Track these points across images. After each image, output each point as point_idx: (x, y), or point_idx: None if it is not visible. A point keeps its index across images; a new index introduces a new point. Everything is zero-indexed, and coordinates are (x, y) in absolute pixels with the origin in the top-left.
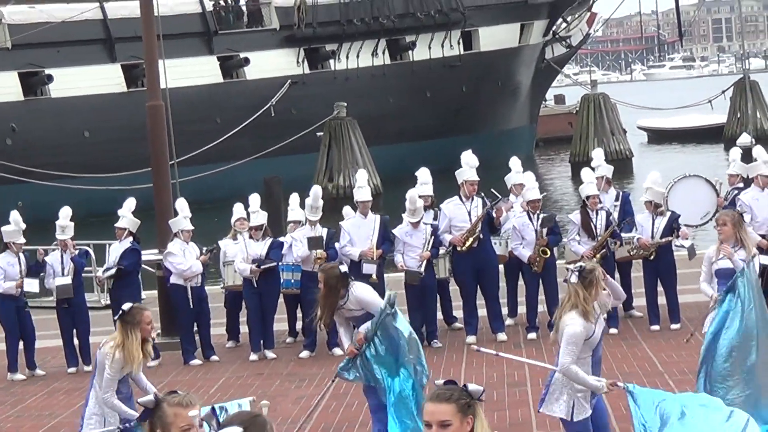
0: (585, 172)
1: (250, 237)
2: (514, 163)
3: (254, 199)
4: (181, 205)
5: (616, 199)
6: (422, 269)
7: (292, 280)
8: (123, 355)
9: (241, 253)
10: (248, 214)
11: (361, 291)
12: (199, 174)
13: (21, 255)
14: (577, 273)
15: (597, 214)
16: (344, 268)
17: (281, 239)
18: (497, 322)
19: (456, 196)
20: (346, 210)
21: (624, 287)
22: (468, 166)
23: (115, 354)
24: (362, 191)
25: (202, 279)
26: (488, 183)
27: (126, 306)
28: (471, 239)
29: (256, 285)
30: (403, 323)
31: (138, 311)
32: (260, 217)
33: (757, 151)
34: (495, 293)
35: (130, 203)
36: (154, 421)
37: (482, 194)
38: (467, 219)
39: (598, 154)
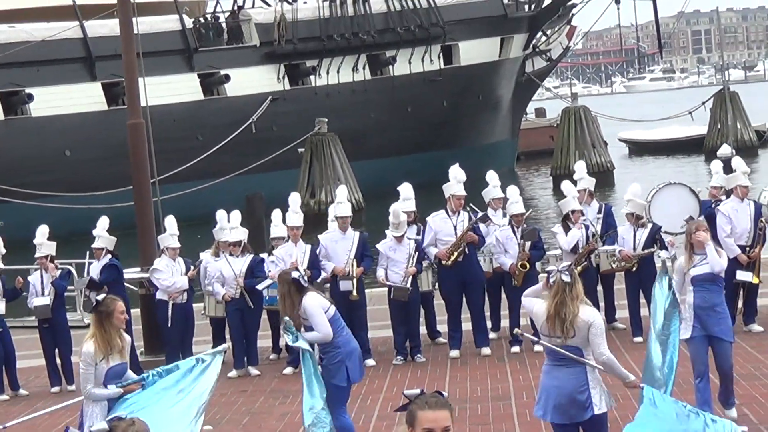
0: (566, 186)
1: (231, 254)
2: (492, 177)
3: (234, 215)
4: (170, 222)
5: (599, 212)
6: (409, 285)
7: (274, 296)
8: (96, 347)
9: (217, 273)
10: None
11: (308, 302)
12: (181, 191)
13: None
14: (567, 272)
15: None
16: (296, 274)
17: (262, 256)
18: (481, 336)
19: (442, 210)
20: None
21: (607, 300)
22: (456, 180)
23: (84, 346)
24: (341, 207)
25: (189, 296)
26: (469, 197)
27: (100, 297)
28: (456, 253)
29: (237, 303)
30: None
31: (111, 301)
32: (239, 234)
33: (736, 162)
34: (480, 307)
35: (104, 222)
36: None
37: (468, 208)
38: (453, 233)
39: (580, 167)
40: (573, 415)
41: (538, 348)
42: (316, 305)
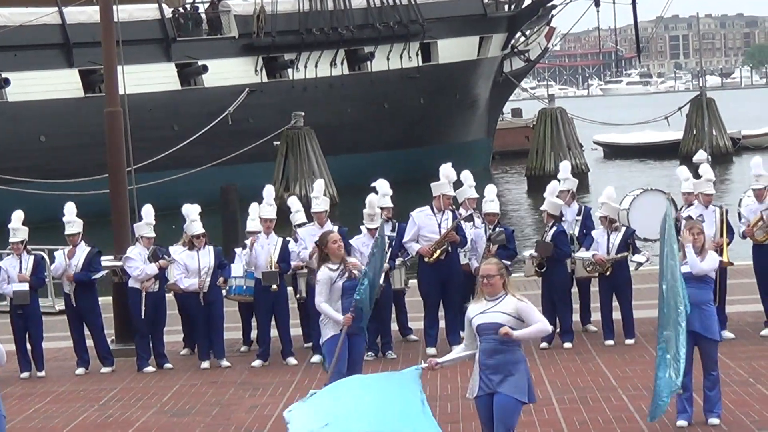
0: (552, 186)
1: (192, 247)
2: (466, 176)
3: (194, 209)
4: (146, 211)
5: (578, 214)
6: (382, 281)
7: (244, 287)
8: None
9: (179, 268)
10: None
11: None
12: (156, 180)
13: None
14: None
15: (552, 228)
16: None
17: (236, 250)
18: (454, 335)
19: (427, 206)
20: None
21: (583, 304)
22: (447, 180)
23: None
24: (316, 202)
25: (161, 284)
26: None
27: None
28: (439, 251)
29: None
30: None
31: None
32: (200, 226)
33: (703, 169)
34: (456, 306)
35: (71, 207)
36: None
37: (453, 207)
38: (437, 231)
39: (564, 167)
40: None
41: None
42: None
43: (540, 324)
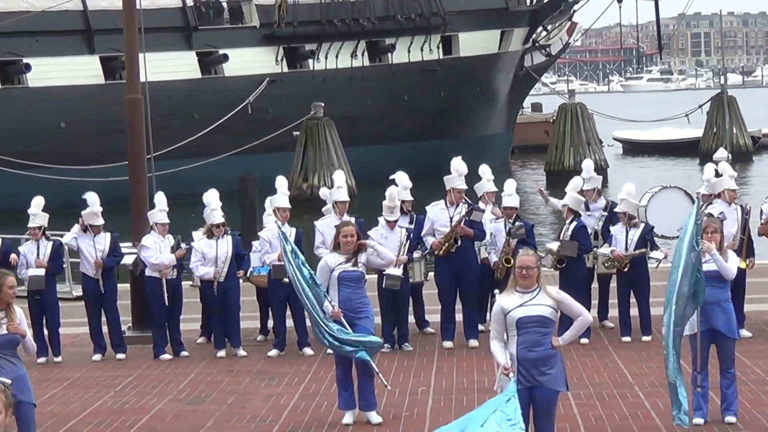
0: (575, 182)
1: (212, 236)
2: (485, 170)
3: (214, 197)
4: (159, 198)
5: (605, 209)
6: (401, 273)
7: (260, 267)
8: None
9: (196, 256)
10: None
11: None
12: (175, 168)
13: None
14: None
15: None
16: None
17: (254, 243)
18: (471, 329)
19: (442, 201)
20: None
21: (601, 299)
22: (457, 173)
23: None
24: (340, 191)
25: (179, 272)
26: None
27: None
28: (447, 244)
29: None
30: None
31: (1, 275)
32: (220, 215)
33: (723, 166)
34: (472, 300)
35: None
36: None
37: (467, 201)
38: (448, 224)
39: (588, 166)
40: None
41: None
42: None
43: (581, 319)
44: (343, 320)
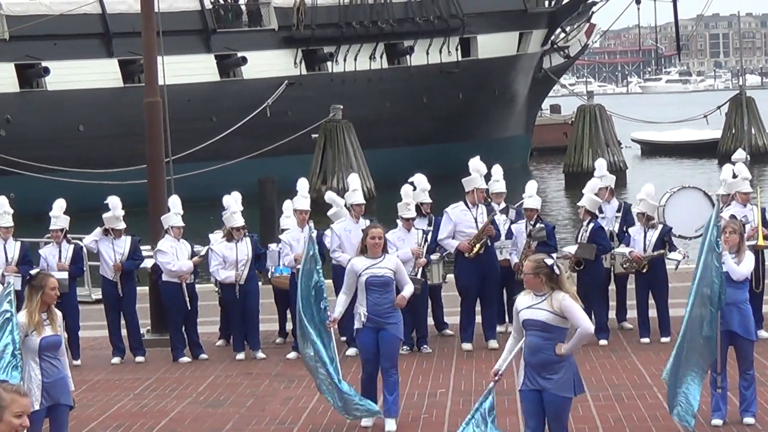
0: (592, 184)
1: (231, 239)
2: (496, 171)
3: (235, 200)
4: (174, 201)
5: (618, 210)
6: (419, 276)
7: (281, 267)
8: (26, 319)
9: (217, 259)
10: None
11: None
12: (193, 172)
13: (12, 241)
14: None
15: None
16: None
17: (271, 246)
18: (491, 331)
19: (461, 202)
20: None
21: (619, 300)
22: (478, 173)
23: (17, 317)
24: (355, 195)
25: (194, 277)
26: None
27: (34, 271)
28: (478, 245)
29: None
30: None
31: (43, 277)
32: (240, 218)
33: (738, 168)
34: (493, 301)
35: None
36: None
37: (487, 201)
38: (474, 225)
39: (601, 165)
40: None
41: None
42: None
43: (581, 330)
44: (332, 332)
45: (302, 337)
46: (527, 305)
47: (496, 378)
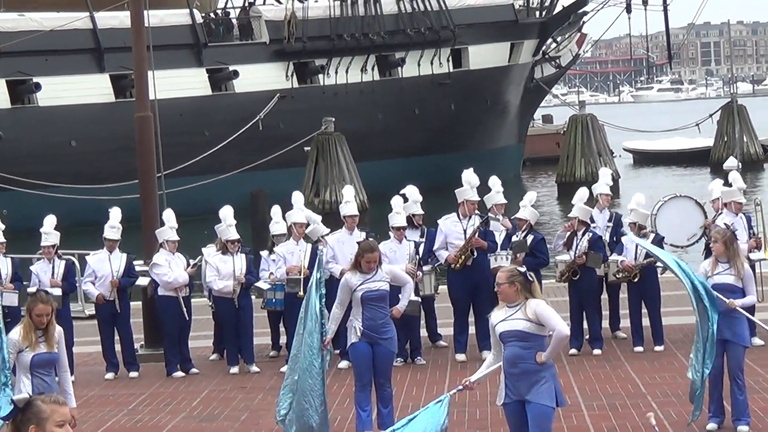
0: (581, 193)
1: (226, 251)
2: (494, 182)
3: (230, 213)
4: (168, 215)
5: (609, 220)
6: (418, 297)
7: (274, 299)
8: (21, 336)
9: (212, 271)
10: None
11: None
12: (186, 186)
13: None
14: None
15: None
16: None
17: (262, 253)
18: (485, 342)
19: (454, 213)
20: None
21: (612, 309)
22: (469, 185)
23: (10, 334)
24: (349, 206)
25: (189, 291)
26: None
27: (32, 290)
28: (463, 257)
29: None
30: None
31: (33, 300)
32: (235, 232)
33: (733, 176)
34: (486, 312)
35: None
36: (26, 418)
37: (479, 213)
38: (462, 237)
39: (605, 173)
40: None
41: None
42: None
43: (556, 333)
44: (326, 351)
45: (294, 360)
46: (501, 318)
47: (462, 387)
